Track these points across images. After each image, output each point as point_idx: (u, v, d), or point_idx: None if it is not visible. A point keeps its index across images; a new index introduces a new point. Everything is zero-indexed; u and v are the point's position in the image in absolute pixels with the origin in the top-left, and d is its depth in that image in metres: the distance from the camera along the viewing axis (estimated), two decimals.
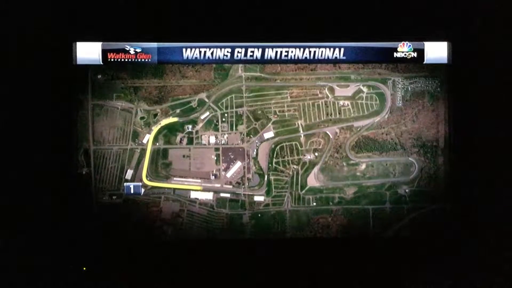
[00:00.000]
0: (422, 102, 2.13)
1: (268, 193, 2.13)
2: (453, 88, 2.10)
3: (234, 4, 2.00)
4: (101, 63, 2.04)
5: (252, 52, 2.08)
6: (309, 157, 2.14)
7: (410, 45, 2.09)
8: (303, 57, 2.09)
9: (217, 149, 2.12)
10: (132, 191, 2.08)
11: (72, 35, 2.02)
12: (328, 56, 2.09)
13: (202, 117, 2.12)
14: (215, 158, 2.12)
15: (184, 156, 2.11)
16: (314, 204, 2.13)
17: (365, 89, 2.14)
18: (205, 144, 2.12)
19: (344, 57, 2.09)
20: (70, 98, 2.03)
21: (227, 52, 2.07)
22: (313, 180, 2.14)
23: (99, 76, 2.06)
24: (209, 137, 2.12)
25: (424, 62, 2.10)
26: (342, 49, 2.08)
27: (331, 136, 2.14)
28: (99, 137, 2.06)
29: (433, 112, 2.13)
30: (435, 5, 2.03)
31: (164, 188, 2.10)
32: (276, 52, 2.08)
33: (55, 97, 1.98)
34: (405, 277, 2.01)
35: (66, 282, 1.96)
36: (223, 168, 2.12)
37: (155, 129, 2.10)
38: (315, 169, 2.14)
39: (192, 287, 1.98)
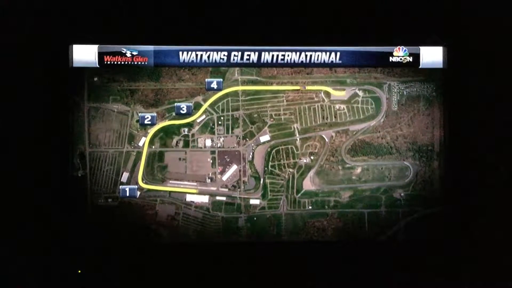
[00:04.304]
0: (417, 106, 2.13)
1: (263, 196, 2.13)
2: (448, 93, 2.11)
3: (230, 8, 2.01)
4: (98, 65, 2.04)
5: (249, 55, 2.08)
6: (305, 161, 2.15)
7: (405, 50, 2.10)
8: (299, 61, 2.10)
9: (213, 152, 2.12)
10: (127, 194, 2.08)
11: (68, 38, 2.03)
12: (324, 60, 2.10)
13: (198, 120, 2.12)
14: (211, 161, 2.12)
15: (180, 159, 2.11)
16: (310, 207, 2.13)
17: (361, 93, 2.14)
18: (201, 147, 2.12)
19: (340, 61, 2.10)
20: (66, 100, 2.03)
21: (224, 55, 2.08)
22: (309, 183, 2.14)
23: (96, 79, 2.06)
24: (205, 140, 2.12)
25: (420, 67, 2.11)
26: (338, 53, 2.09)
27: (327, 140, 2.15)
28: (95, 140, 2.06)
29: (428, 116, 2.13)
30: (431, 10, 2.04)
31: (160, 191, 2.10)
32: (273, 55, 2.09)
33: (51, 99, 1.98)
34: (400, 280, 2.02)
35: (61, 284, 1.96)
36: (219, 171, 2.13)
37: (151, 132, 2.10)
38: (311, 173, 2.15)
39: None
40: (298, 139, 2.15)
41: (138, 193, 2.09)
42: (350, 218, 2.13)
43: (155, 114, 2.09)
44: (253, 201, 2.13)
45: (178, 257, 2.04)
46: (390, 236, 2.13)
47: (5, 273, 1.88)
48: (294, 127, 2.15)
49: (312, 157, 2.15)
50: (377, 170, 2.15)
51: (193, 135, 2.12)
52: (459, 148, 2.09)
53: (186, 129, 2.12)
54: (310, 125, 2.14)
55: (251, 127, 2.13)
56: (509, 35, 1.99)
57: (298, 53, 2.09)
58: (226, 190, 2.13)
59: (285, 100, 2.13)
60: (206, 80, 2.10)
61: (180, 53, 2.07)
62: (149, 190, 2.10)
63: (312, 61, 2.09)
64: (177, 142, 2.12)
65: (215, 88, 2.10)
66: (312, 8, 2.02)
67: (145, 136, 2.10)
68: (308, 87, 2.13)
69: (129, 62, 2.05)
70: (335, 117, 2.15)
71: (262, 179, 2.14)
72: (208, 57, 2.07)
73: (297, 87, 2.12)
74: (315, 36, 2.07)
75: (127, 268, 2.01)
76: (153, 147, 2.10)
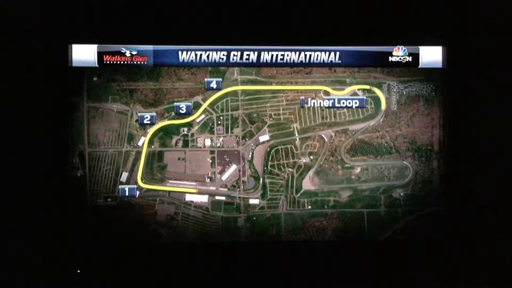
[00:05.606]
0: (417, 106, 2.13)
1: (263, 196, 2.13)
2: (448, 92, 2.11)
3: (230, 7, 2.01)
4: (97, 65, 2.04)
5: (248, 55, 2.08)
6: (304, 160, 2.14)
7: (405, 50, 2.10)
8: (299, 61, 2.10)
9: (212, 152, 2.12)
10: (127, 194, 2.08)
11: (68, 37, 2.03)
12: (323, 60, 2.10)
13: (198, 120, 2.12)
14: (211, 161, 2.12)
15: (179, 158, 2.11)
16: (309, 207, 2.13)
17: (360, 93, 2.14)
18: (200, 147, 2.12)
19: (340, 61, 2.10)
20: (65, 100, 2.03)
21: (223, 55, 2.08)
22: (308, 183, 2.14)
23: (95, 78, 2.06)
24: (204, 140, 2.12)
25: (419, 67, 2.11)
26: (338, 53, 2.09)
27: (326, 140, 2.15)
28: (94, 140, 2.06)
29: (428, 116, 2.13)
30: (431, 9, 2.04)
31: (159, 190, 2.10)
32: (272, 55, 2.09)
33: (50, 99, 1.98)
34: (399, 280, 2.02)
35: (61, 283, 1.97)
36: (218, 171, 2.13)
37: (150, 131, 2.10)
38: (310, 173, 2.14)
39: None
40: (297, 138, 2.15)
41: (138, 192, 2.09)
42: (350, 218, 2.13)
43: (154, 113, 2.09)
44: (252, 201, 2.13)
45: (177, 257, 2.04)
46: (390, 236, 2.13)
47: (5, 273, 1.88)
48: (293, 127, 2.14)
49: (311, 157, 2.15)
50: (377, 169, 2.15)
51: (192, 134, 2.12)
52: (459, 148, 2.08)
53: (186, 129, 2.12)
54: (310, 124, 2.14)
55: (251, 127, 2.13)
56: (509, 35, 1.99)
57: (297, 53, 2.09)
58: (226, 189, 2.13)
59: (284, 100, 2.13)
60: (206, 79, 2.10)
61: (180, 52, 2.07)
62: (148, 189, 2.10)
63: (311, 61, 2.09)
64: (176, 141, 2.11)
65: (215, 87, 2.10)
66: (312, 7, 2.02)
67: (145, 135, 2.10)
68: (308, 87, 2.13)
69: (129, 62, 2.05)
70: (334, 116, 2.15)
71: (261, 179, 2.14)
72: (208, 56, 2.07)
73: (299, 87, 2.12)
74: (314, 36, 2.07)
75: (126, 267, 2.01)
76: (153, 146, 2.10)
